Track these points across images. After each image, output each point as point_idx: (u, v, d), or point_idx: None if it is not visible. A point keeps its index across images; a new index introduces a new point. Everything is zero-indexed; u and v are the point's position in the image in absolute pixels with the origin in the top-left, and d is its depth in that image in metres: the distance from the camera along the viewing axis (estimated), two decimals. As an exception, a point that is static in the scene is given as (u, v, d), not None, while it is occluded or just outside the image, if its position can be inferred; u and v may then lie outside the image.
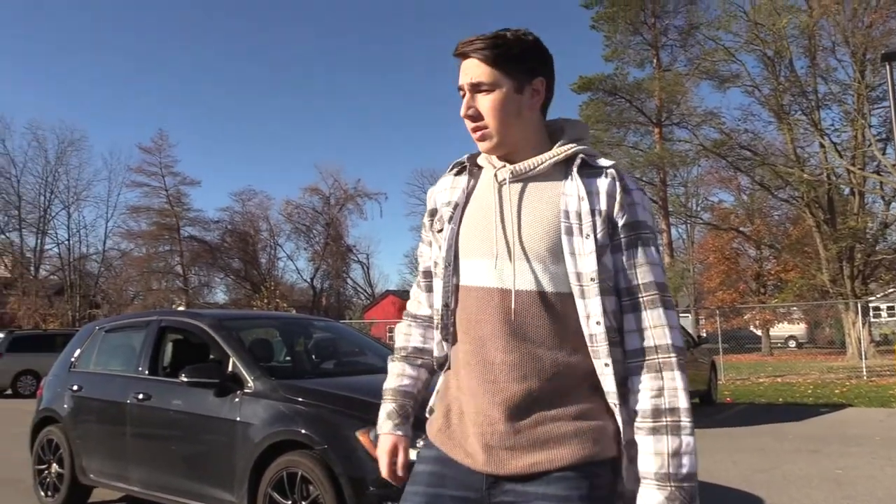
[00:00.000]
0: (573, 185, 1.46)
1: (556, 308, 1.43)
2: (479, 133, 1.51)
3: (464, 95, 1.52)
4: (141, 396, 5.02)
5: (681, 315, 30.59)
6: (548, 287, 1.43)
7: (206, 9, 71.91)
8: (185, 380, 4.49)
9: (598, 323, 1.41)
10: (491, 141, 1.51)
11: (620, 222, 1.45)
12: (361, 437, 3.72)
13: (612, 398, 1.41)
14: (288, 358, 5.87)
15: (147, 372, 5.22)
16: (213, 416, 4.49)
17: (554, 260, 1.43)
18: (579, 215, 1.43)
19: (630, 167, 29.15)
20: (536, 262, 1.43)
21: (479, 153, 1.60)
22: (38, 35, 68.35)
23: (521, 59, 1.50)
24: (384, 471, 1.63)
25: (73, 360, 6.04)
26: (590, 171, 1.48)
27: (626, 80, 30.65)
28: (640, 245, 1.45)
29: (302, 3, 72.35)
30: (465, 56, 1.51)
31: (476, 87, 1.50)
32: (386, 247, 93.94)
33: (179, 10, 70.67)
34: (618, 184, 1.46)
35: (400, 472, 1.62)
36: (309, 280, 48.32)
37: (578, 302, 1.42)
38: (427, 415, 1.65)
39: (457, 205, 1.56)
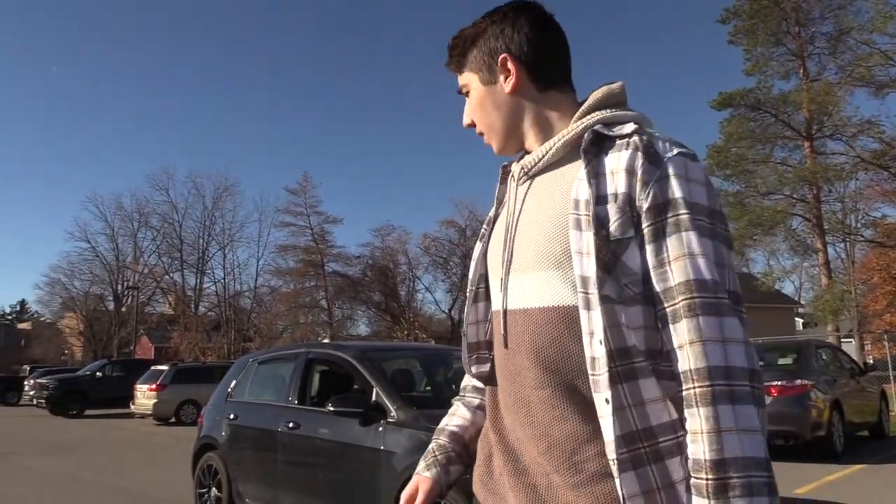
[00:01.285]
0: (590, 166, 1.13)
1: (577, 327, 1.10)
2: (483, 138, 1.34)
3: None
4: (291, 425, 5.20)
5: (843, 340, 28.45)
6: (562, 300, 1.12)
7: (346, 58, 75.72)
8: (332, 409, 4.62)
9: (600, 342, 1.05)
10: (494, 143, 1.33)
11: (645, 205, 1.07)
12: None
13: (611, 451, 1.03)
14: (428, 388, 5.90)
15: (296, 401, 5.40)
16: (357, 444, 4.57)
17: (564, 265, 1.12)
18: (587, 203, 1.09)
19: (778, 184, 27.55)
20: (554, 271, 1.13)
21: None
22: (191, 90, 74.47)
23: (473, 47, 1.30)
24: None
25: (229, 390, 6.37)
26: (610, 145, 1.14)
27: (771, 93, 29.08)
28: (675, 232, 1.05)
29: (431, 40, 74.57)
30: (449, 66, 1.38)
31: (462, 92, 1.36)
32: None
33: (319, 62, 74.85)
34: (640, 154, 1.09)
35: None
36: (447, 311, 48.95)
37: (582, 315, 1.07)
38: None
39: (490, 219, 1.38)
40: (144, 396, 18.81)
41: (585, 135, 1.16)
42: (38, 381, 23.43)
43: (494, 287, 1.27)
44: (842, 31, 27.63)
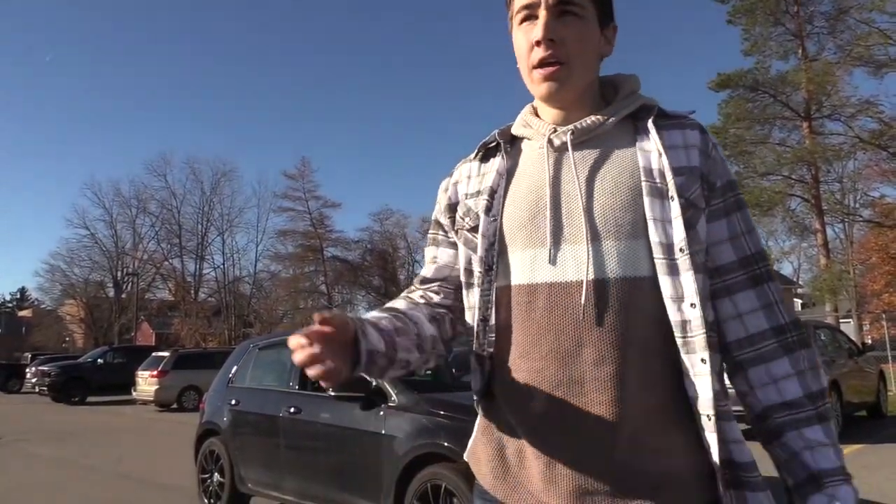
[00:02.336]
0: (651, 139, 1.15)
1: (649, 297, 1.09)
2: (556, 73, 1.16)
3: (527, 20, 1.18)
4: (292, 410, 5.23)
5: (841, 321, 28.52)
6: (638, 271, 1.10)
7: (343, 43, 75.24)
8: (333, 394, 4.65)
9: (692, 305, 1.07)
10: (569, 86, 1.18)
11: (719, 182, 1.16)
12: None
13: (706, 407, 1.06)
14: (429, 372, 5.93)
15: (297, 387, 5.43)
16: (359, 428, 4.60)
17: (637, 234, 1.10)
18: (662, 173, 1.12)
19: (777, 164, 27.52)
20: (621, 241, 1.10)
21: (509, 126, 1.29)
22: (189, 75, 74.14)
23: None
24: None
25: (230, 376, 6.39)
26: (668, 122, 1.18)
27: (769, 73, 28.97)
28: (742, 208, 1.17)
29: (431, 32, 74.08)
30: None
31: (565, 4, 1.15)
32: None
33: (317, 46, 74.38)
34: (707, 136, 1.18)
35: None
36: (446, 295, 48.96)
37: (664, 281, 1.08)
38: (465, 458, 1.29)
39: (493, 191, 1.22)
40: (146, 383, 18.86)
41: (653, 111, 1.19)
42: (40, 368, 23.47)
43: (531, 260, 1.14)
44: (841, 11, 27.49)
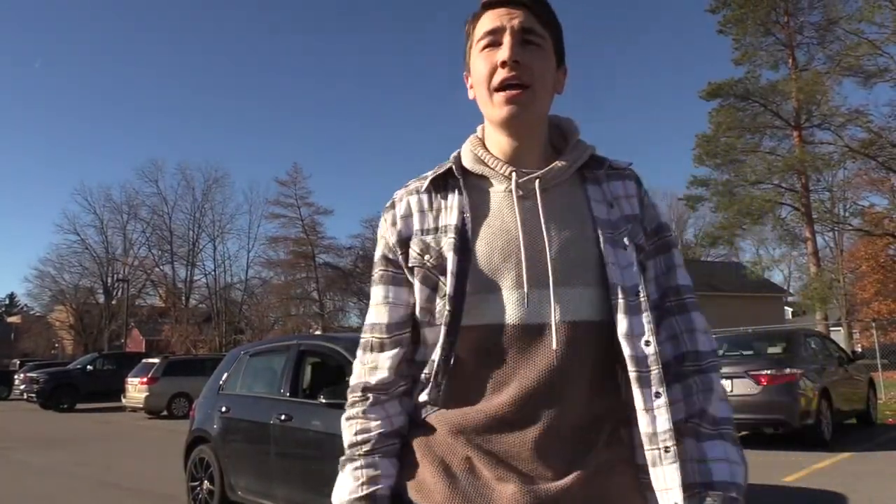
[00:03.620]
0: (600, 189, 1.24)
1: (602, 338, 1.16)
2: (519, 96, 1.17)
3: (489, 46, 1.20)
4: (283, 417, 5.21)
5: (832, 329, 28.63)
6: (594, 315, 1.16)
7: (336, 50, 75.34)
8: (324, 401, 4.63)
9: (647, 343, 1.14)
10: (530, 111, 1.19)
11: (650, 227, 1.27)
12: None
13: (665, 440, 1.11)
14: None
15: (288, 394, 5.41)
16: (350, 436, 4.58)
17: (596, 280, 1.17)
18: (613, 223, 1.21)
19: (767, 173, 27.64)
20: (583, 286, 1.16)
21: (459, 159, 1.28)
22: (181, 80, 74.06)
23: (560, 34, 1.26)
24: None
25: (221, 383, 6.37)
26: (612, 173, 1.27)
27: (759, 82, 29.14)
28: (674, 247, 1.29)
29: (426, 38, 74.29)
30: (509, 4, 1.21)
31: (527, 34, 1.19)
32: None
33: (310, 52, 74.44)
34: (640, 186, 1.29)
35: None
36: (438, 302, 48.95)
37: (622, 320, 1.15)
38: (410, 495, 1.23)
39: (461, 229, 1.19)
40: (136, 390, 18.78)
41: (606, 163, 1.28)
42: (29, 374, 23.31)
43: (498, 301, 1.16)
44: (830, 21, 27.69)
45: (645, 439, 1.13)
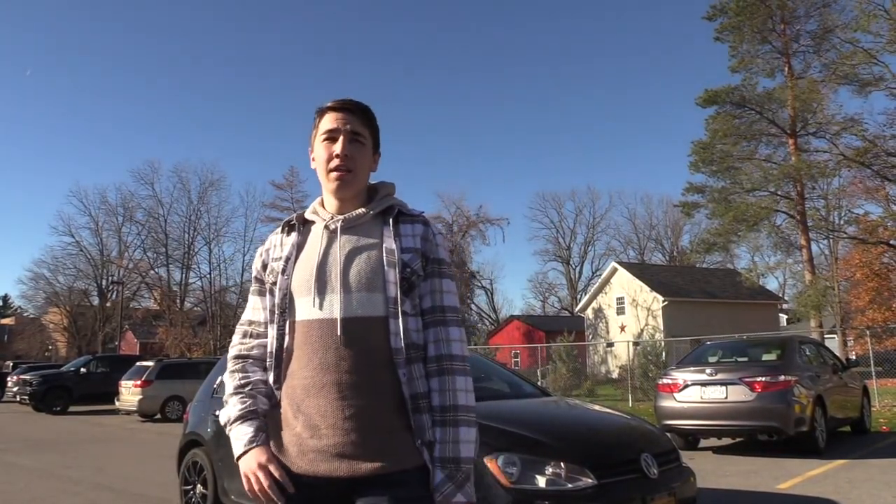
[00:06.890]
0: (391, 229, 1.77)
1: (378, 328, 1.68)
2: (344, 176, 1.77)
3: (328, 140, 1.78)
4: (277, 421, 5.19)
5: (826, 336, 28.67)
6: (371, 312, 1.68)
7: (333, 51, 75.33)
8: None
9: (398, 336, 1.68)
10: (351, 186, 1.79)
11: (430, 258, 1.79)
12: (489, 463, 3.66)
13: (412, 401, 1.68)
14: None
15: (282, 397, 5.39)
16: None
17: (377, 289, 1.69)
18: (394, 252, 1.73)
19: (763, 181, 27.73)
20: (364, 292, 1.69)
21: (304, 212, 1.88)
22: (178, 82, 73.94)
23: (377, 132, 1.87)
24: (265, 482, 1.68)
25: (215, 386, 6.34)
26: (406, 218, 1.82)
27: (756, 90, 29.27)
28: (446, 277, 1.80)
29: (415, 35, 74.41)
30: (343, 111, 1.80)
31: (355, 136, 1.79)
32: (509, 271, 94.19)
33: (306, 54, 74.41)
34: (428, 228, 1.82)
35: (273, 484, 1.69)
36: (433, 306, 48.88)
37: (392, 321, 1.69)
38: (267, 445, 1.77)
39: (288, 258, 1.80)
40: (129, 393, 18.71)
41: (394, 211, 1.81)
42: (22, 377, 23.21)
43: (309, 304, 1.71)
44: (826, 30, 27.86)
45: (409, 402, 1.67)
